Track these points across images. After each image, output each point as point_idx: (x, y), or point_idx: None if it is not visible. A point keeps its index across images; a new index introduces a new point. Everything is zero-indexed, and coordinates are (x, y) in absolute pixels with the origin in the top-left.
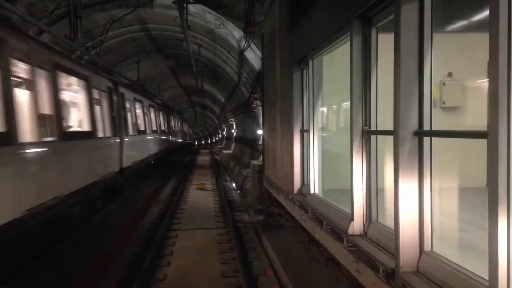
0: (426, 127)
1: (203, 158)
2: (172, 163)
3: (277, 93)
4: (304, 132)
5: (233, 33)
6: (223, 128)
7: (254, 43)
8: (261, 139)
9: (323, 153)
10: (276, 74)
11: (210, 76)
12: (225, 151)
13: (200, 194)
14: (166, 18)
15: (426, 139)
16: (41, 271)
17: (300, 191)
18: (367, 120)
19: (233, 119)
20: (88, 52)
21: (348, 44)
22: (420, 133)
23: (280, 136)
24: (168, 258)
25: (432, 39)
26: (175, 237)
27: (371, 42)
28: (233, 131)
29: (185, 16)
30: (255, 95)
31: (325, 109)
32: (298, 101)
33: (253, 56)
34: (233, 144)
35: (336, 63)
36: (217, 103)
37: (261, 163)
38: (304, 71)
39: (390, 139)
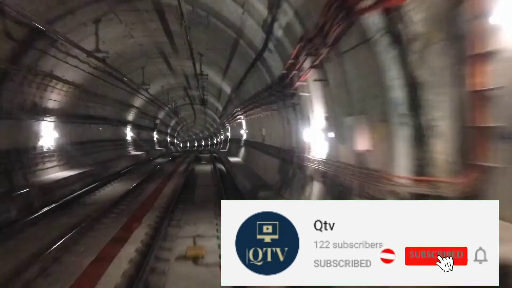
0: None
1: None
2: None
3: None
4: None
5: None
6: (227, 129)
7: None
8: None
9: None
10: None
11: (213, 49)
12: (231, 159)
13: None
14: None
15: None
16: None
17: None
18: None
19: (242, 116)
20: None
21: None
22: None
23: None
24: None
25: None
26: None
27: None
28: (242, 131)
29: None
30: (307, 63)
31: None
32: None
33: None
34: (242, 150)
35: None
36: (220, 98)
37: None
38: None
39: None
